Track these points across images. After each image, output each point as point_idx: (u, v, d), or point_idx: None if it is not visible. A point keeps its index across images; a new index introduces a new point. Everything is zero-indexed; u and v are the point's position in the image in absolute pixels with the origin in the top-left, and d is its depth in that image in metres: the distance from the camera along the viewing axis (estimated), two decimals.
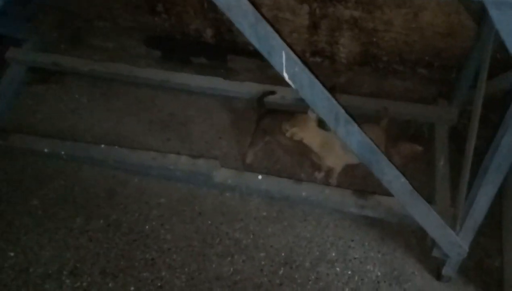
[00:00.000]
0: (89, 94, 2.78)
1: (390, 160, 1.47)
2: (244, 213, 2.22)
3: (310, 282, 1.98)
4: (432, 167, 2.18)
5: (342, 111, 1.33)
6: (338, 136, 1.41)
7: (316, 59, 2.80)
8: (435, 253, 1.82)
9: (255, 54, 2.84)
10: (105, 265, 2.06)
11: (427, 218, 1.63)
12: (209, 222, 2.19)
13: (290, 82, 1.28)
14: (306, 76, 1.25)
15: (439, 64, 2.62)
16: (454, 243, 1.70)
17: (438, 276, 1.93)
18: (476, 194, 1.51)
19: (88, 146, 2.18)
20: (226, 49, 2.90)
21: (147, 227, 2.18)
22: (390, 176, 1.51)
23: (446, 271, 1.87)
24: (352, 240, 2.09)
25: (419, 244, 2.06)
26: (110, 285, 2.00)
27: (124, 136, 2.51)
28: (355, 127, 1.37)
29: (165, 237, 2.14)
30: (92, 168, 2.40)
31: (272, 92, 2.38)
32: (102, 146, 2.13)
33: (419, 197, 1.58)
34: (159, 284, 1.99)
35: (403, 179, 1.53)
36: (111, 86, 2.80)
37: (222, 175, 2.01)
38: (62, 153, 2.15)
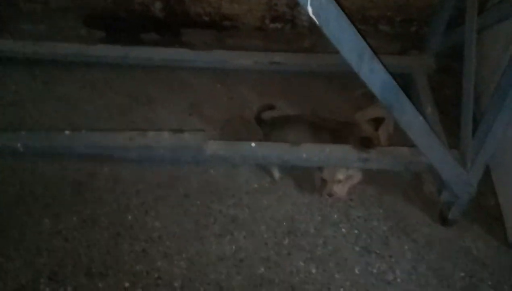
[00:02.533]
0: (29, 84, 2.58)
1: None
2: (234, 188, 2.19)
3: (318, 247, 2.01)
4: None
5: (367, 47, 1.37)
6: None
7: (277, 25, 2.85)
8: (444, 196, 1.93)
9: (211, 25, 2.85)
10: (89, 265, 1.92)
11: (442, 159, 1.73)
12: (198, 202, 2.14)
13: (314, 17, 1.29)
14: (333, 8, 1.27)
15: (401, 19, 2.80)
16: (466, 182, 1.82)
17: (444, 222, 2.06)
18: (492, 125, 1.63)
19: (49, 133, 2.02)
20: (178, 23, 2.84)
21: (129, 217, 2.08)
22: (410, 115, 1.58)
23: (453, 214, 2.00)
24: (351, 200, 2.16)
25: (417, 195, 2.17)
26: (100, 285, 1.87)
27: (80, 126, 2.36)
28: (379, 65, 1.42)
29: (152, 224, 2.06)
30: (51, 164, 2.24)
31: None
32: (67, 132, 1.99)
33: (435, 138, 1.68)
34: (156, 276, 1.91)
35: (421, 118, 1.61)
36: (52, 73, 2.63)
37: (213, 146, 1.96)
38: (18, 145, 1.97)
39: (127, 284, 1.88)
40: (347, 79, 2.55)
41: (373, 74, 1.44)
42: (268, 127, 2.16)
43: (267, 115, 2.21)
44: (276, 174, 2.19)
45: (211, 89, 2.58)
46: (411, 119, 1.59)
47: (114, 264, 1.93)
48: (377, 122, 1.99)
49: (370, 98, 2.16)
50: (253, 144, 1.98)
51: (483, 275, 1.93)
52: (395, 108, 1.54)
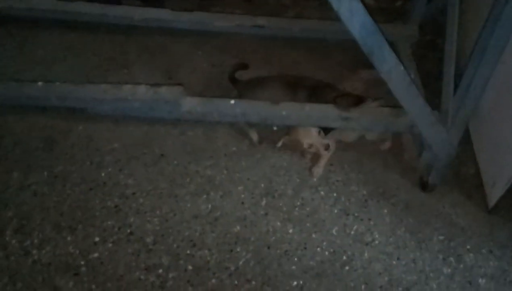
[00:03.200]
0: (3, 44, 2.51)
1: None
2: (211, 150, 2.15)
3: (296, 208, 1.97)
4: None
5: None
6: (341, 18, 1.42)
7: None
8: (424, 157, 1.92)
9: None
10: (58, 219, 1.86)
11: (421, 113, 1.72)
12: (175, 162, 2.09)
13: None
14: None
15: None
16: (446, 141, 1.80)
17: (423, 187, 2.04)
18: (472, 79, 1.62)
19: (22, 84, 1.95)
20: None
21: (102, 174, 2.02)
22: (390, 64, 1.55)
23: (433, 178, 1.98)
24: (331, 165, 2.13)
25: (397, 162, 2.15)
26: (68, 239, 1.81)
27: None
28: (359, 4, 1.40)
29: (126, 182, 2.00)
30: (22, 120, 2.18)
31: (244, 66, 2.25)
32: (39, 83, 1.93)
33: (415, 89, 1.66)
34: (128, 231, 1.85)
35: (402, 68, 1.59)
36: (29, 32, 2.56)
37: (190, 102, 1.92)
38: None
39: (97, 239, 1.82)
40: (330, 47, 2.55)
41: (353, 15, 1.41)
42: (243, 86, 2.12)
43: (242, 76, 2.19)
44: (255, 136, 2.16)
45: (191, 55, 2.54)
46: (392, 69, 1.57)
47: (84, 219, 1.87)
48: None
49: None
50: (232, 101, 1.95)
51: (462, 239, 1.92)
52: (375, 55, 1.52)
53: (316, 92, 1.99)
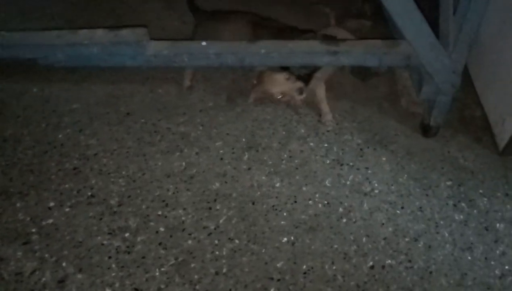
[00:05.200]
0: None
1: None
2: (185, 106, 1.91)
3: (283, 161, 1.73)
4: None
5: None
6: None
7: None
8: (425, 92, 1.69)
9: None
10: (6, 184, 1.60)
11: (420, 33, 1.49)
12: (143, 120, 1.84)
13: None
14: None
15: None
16: (449, 68, 1.58)
17: (425, 130, 1.81)
18: None
19: None
20: None
21: (60, 136, 1.77)
22: None
23: (435, 119, 1.75)
24: (320, 115, 1.89)
25: (393, 108, 1.93)
26: (18, 205, 1.55)
27: None
28: None
29: (87, 143, 1.75)
30: None
31: None
32: None
33: (411, 1, 1.44)
34: (89, 193, 1.60)
35: None
36: None
37: (156, 45, 1.68)
38: None
39: (51, 203, 1.56)
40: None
41: None
42: (204, 17, 1.91)
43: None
44: (187, 81, 1.97)
45: (162, 15, 2.31)
46: None
47: (38, 183, 1.62)
48: None
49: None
50: (204, 43, 1.71)
51: (473, 183, 1.68)
52: None
53: (280, 35, 1.77)
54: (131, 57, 1.70)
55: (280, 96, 1.79)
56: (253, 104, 1.88)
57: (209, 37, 1.80)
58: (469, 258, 1.48)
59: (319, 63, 1.74)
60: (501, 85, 1.79)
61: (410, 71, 1.83)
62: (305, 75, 1.78)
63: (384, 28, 2.12)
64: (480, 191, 1.66)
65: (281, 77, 1.78)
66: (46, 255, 1.43)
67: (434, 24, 1.60)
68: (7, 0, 2.32)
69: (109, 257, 1.43)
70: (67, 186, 1.61)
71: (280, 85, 1.79)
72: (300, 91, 1.77)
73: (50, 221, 1.52)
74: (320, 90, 1.86)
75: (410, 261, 1.46)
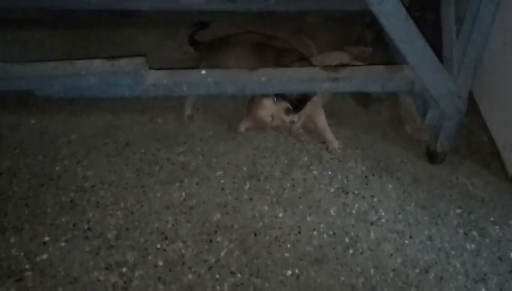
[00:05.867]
0: None
1: None
2: (185, 136, 1.87)
3: (286, 191, 1.67)
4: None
5: None
6: None
7: None
8: (430, 118, 1.64)
9: None
10: (0, 219, 1.55)
11: (423, 57, 1.46)
12: (142, 150, 1.80)
13: None
14: None
15: None
16: (453, 91, 1.54)
17: (431, 157, 1.76)
18: (479, 9, 1.38)
19: None
20: None
21: (57, 168, 1.72)
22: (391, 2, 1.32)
23: (441, 144, 1.70)
24: (323, 142, 1.85)
25: (398, 134, 1.88)
26: (12, 240, 1.49)
27: None
28: None
29: (84, 174, 1.70)
30: None
31: (204, 25, 2.06)
32: None
33: (414, 27, 1.41)
34: (86, 227, 1.54)
35: (403, 10, 1.35)
36: None
37: (155, 74, 1.65)
38: None
39: (46, 238, 1.51)
40: (314, 24, 2.33)
41: None
42: (205, 48, 1.89)
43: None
44: (188, 110, 1.93)
45: (161, 45, 2.30)
46: (392, 8, 1.32)
47: (33, 217, 1.56)
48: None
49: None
50: (203, 71, 1.68)
51: (483, 211, 1.62)
52: None
53: (284, 54, 1.75)
54: (130, 87, 1.67)
55: (270, 120, 1.76)
56: (246, 132, 1.85)
57: (214, 68, 1.79)
58: (484, 290, 1.40)
59: (319, 90, 1.71)
60: (507, 109, 1.75)
61: (414, 97, 1.79)
62: (296, 100, 1.74)
63: (384, 54, 2.10)
64: (491, 218, 1.60)
65: (268, 101, 1.75)
66: None
67: (436, 48, 1.57)
68: (5, 31, 2.31)
69: None
70: (63, 219, 1.56)
71: (268, 109, 1.77)
72: (288, 112, 1.73)
73: (45, 256, 1.46)
74: (319, 117, 1.82)
75: None
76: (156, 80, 1.66)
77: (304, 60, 1.76)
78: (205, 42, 1.97)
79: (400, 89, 1.72)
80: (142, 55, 1.70)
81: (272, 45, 1.80)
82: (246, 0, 2.14)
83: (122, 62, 1.66)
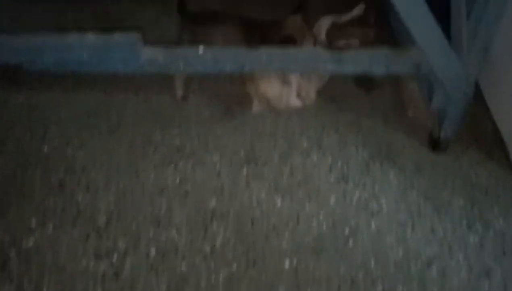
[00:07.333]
0: None
1: None
2: (180, 117, 1.75)
3: (284, 177, 1.57)
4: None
5: None
6: None
7: None
8: (435, 102, 1.55)
9: None
10: None
11: (431, 37, 1.35)
12: (136, 131, 1.68)
13: None
14: None
15: None
16: (462, 74, 1.43)
17: (435, 144, 1.66)
18: None
19: None
20: None
21: (45, 148, 1.60)
22: None
23: (445, 131, 1.60)
24: (323, 127, 1.74)
25: (400, 119, 1.78)
26: None
27: None
28: None
29: (74, 155, 1.59)
30: None
31: None
32: None
33: (424, 5, 1.29)
34: (75, 211, 1.43)
35: None
36: None
37: (150, 50, 1.53)
38: None
39: (33, 223, 1.39)
40: None
41: None
42: (192, 19, 1.74)
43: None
44: (179, 90, 1.80)
45: (157, 22, 2.15)
46: None
47: (18, 201, 1.45)
48: None
49: None
50: (200, 48, 1.55)
51: (487, 202, 1.53)
52: None
53: (265, 32, 1.64)
54: (124, 62, 1.54)
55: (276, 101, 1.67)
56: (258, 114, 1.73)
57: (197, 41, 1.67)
58: (487, 284, 1.32)
59: (322, 70, 1.60)
60: None
61: (418, 81, 1.68)
62: None
63: (388, 36, 1.98)
64: (495, 210, 1.51)
65: (275, 80, 1.65)
66: (25, 281, 1.26)
67: (444, 29, 1.45)
68: None
69: (95, 284, 1.27)
70: (51, 202, 1.45)
71: (277, 89, 1.66)
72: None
73: (30, 243, 1.35)
74: None
75: (423, 288, 1.30)
76: (151, 56, 1.53)
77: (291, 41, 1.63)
78: (193, 13, 1.81)
79: (405, 71, 1.60)
80: (138, 28, 1.57)
81: (263, 26, 1.68)
82: None
83: (116, 36, 1.52)
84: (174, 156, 1.61)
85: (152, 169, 1.57)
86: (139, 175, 1.54)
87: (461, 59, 1.42)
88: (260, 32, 1.71)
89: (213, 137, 1.69)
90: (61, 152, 1.59)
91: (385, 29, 2.04)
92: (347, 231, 1.43)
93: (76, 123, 1.69)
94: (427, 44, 1.37)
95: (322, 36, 1.94)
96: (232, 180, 1.55)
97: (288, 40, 1.62)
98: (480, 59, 1.43)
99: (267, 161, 1.62)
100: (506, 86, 1.69)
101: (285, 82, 1.66)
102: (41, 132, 1.65)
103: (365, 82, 1.91)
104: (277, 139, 1.69)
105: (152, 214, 1.44)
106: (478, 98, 1.81)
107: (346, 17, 1.99)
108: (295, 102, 1.73)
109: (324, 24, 1.95)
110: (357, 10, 2.05)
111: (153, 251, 1.35)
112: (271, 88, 1.65)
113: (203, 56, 1.53)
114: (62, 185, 1.50)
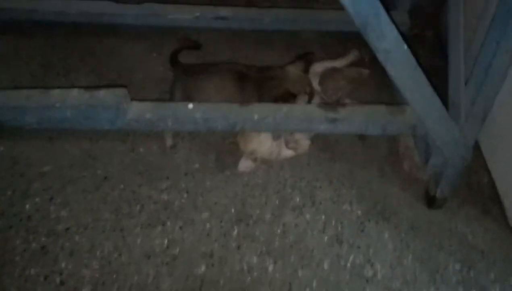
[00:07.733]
0: None
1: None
2: (169, 169, 1.68)
3: (276, 238, 1.51)
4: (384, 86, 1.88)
5: None
6: None
7: None
8: (432, 164, 1.49)
9: None
10: None
11: (429, 105, 1.30)
12: (122, 186, 1.61)
13: None
14: None
15: None
16: (459, 140, 1.38)
17: (430, 202, 1.61)
18: (494, 56, 1.21)
19: None
20: None
21: (27, 206, 1.53)
22: (390, 40, 1.14)
23: (442, 190, 1.55)
24: (317, 180, 1.68)
25: (395, 172, 1.73)
26: None
27: None
28: None
29: (58, 214, 1.51)
30: None
31: (196, 46, 1.90)
32: None
33: (422, 75, 1.24)
34: (58, 281, 1.36)
35: (405, 47, 1.17)
36: None
37: (137, 107, 1.46)
38: None
39: None
40: (310, 40, 2.12)
41: None
42: (183, 70, 1.71)
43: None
44: (168, 141, 1.74)
45: (145, 58, 2.07)
46: (391, 47, 1.15)
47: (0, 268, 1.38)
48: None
49: None
50: (190, 105, 1.48)
51: (483, 265, 1.49)
52: (370, 27, 1.10)
53: (268, 88, 1.59)
54: (110, 121, 1.46)
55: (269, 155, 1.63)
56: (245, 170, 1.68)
57: (190, 94, 1.62)
58: None
59: (316, 130, 1.54)
60: (509, 152, 1.60)
61: (416, 140, 1.63)
62: None
63: (383, 76, 1.92)
64: (492, 275, 1.47)
65: (265, 137, 1.63)
66: None
67: (441, 93, 1.40)
68: None
69: None
70: (32, 271, 1.37)
71: (267, 145, 1.64)
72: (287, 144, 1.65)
73: None
74: None
75: None
76: (138, 114, 1.46)
77: (289, 96, 1.59)
78: (186, 65, 1.75)
79: (402, 132, 1.56)
80: (124, 86, 1.50)
81: (256, 78, 1.63)
82: (238, 18, 1.92)
83: (102, 93, 1.45)
84: (161, 214, 1.55)
85: (139, 230, 1.50)
86: (125, 238, 1.47)
87: (459, 126, 1.37)
88: (254, 81, 1.65)
89: (203, 192, 1.62)
90: (44, 211, 1.52)
91: (379, 69, 1.98)
92: None
93: (60, 177, 1.61)
94: (425, 112, 1.32)
95: (317, 81, 1.89)
96: (222, 242, 1.49)
97: (286, 97, 1.57)
98: (479, 125, 1.38)
99: (259, 219, 1.56)
100: (503, 139, 1.64)
101: (277, 136, 1.61)
102: (23, 188, 1.57)
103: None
104: (268, 194, 1.63)
105: (139, 283, 1.38)
106: (474, 149, 1.76)
107: (340, 63, 1.94)
108: (287, 153, 1.69)
109: (318, 69, 1.90)
110: (352, 56, 2.00)
111: None
112: (262, 145, 1.59)
113: (193, 114, 1.47)
114: (45, 249, 1.43)
